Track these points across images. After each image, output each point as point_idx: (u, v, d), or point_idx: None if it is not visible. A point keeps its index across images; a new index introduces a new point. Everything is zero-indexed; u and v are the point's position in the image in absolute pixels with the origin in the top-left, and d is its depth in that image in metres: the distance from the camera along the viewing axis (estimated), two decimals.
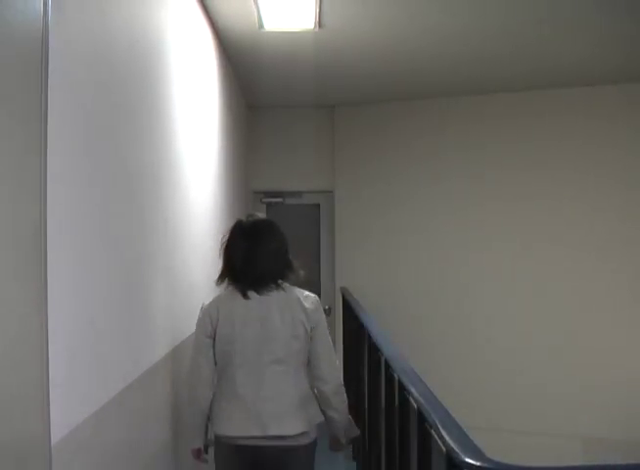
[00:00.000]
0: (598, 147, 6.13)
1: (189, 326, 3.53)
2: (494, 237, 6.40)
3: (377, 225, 6.70)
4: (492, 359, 6.25)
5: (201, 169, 4.06)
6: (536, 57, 5.31)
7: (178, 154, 3.33)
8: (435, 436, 1.97)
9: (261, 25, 4.37)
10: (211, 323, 2.73)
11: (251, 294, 2.73)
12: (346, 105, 6.78)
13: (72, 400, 1.78)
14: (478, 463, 1.63)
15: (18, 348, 1.46)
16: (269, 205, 7.06)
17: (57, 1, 1.63)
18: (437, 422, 1.99)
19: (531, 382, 6.13)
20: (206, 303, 2.86)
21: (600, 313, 6.04)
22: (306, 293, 2.82)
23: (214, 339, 2.73)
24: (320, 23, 4.37)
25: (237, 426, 2.69)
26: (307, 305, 2.76)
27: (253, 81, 5.96)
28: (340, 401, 2.82)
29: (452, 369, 6.20)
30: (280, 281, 2.76)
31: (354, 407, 4.04)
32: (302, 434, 2.72)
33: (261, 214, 2.97)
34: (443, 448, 1.83)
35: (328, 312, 3.76)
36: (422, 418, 2.20)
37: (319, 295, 3.22)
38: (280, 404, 2.69)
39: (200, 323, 2.78)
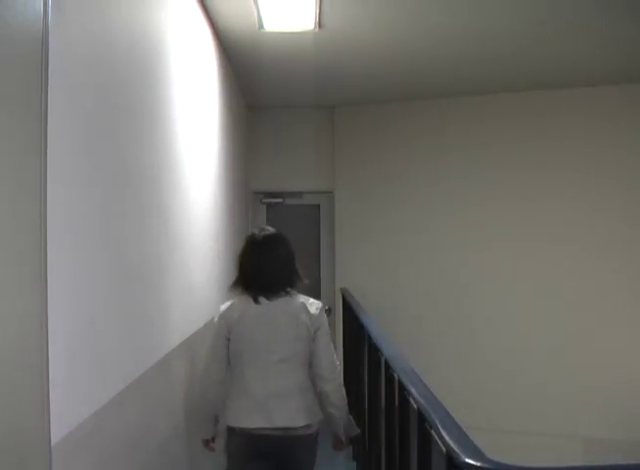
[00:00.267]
0: (599, 147, 6.13)
1: (189, 326, 3.53)
2: (494, 237, 6.40)
3: (377, 225, 6.70)
4: (492, 359, 6.25)
5: (201, 170, 4.06)
6: (537, 57, 5.31)
7: (178, 154, 3.34)
8: (435, 436, 1.97)
9: (261, 26, 4.37)
10: (227, 326, 3.02)
11: (262, 300, 3.02)
12: (346, 105, 6.79)
13: (72, 400, 1.78)
14: (478, 463, 1.63)
15: (18, 348, 1.46)
16: (269, 205, 7.06)
17: (57, 2, 1.63)
18: (437, 422, 1.99)
19: (532, 382, 6.13)
20: (223, 308, 3.10)
21: (600, 313, 6.04)
22: (311, 300, 3.10)
23: (229, 339, 3.02)
24: (320, 24, 4.37)
25: (247, 418, 2.96)
26: (312, 310, 3.04)
27: (253, 82, 5.96)
28: (339, 399, 3.07)
29: (452, 369, 6.20)
30: (288, 288, 3.06)
31: (355, 407, 4.05)
32: (306, 426, 2.98)
33: (271, 228, 3.20)
34: (443, 449, 1.83)
35: (328, 313, 3.85)
36: (422, 418, 2.20)
37: (319, 295, 3.42)
38: (285, 399, 2.96)
39: (217, 326, 3.06)
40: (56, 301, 1.62)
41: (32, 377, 1.52)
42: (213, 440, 3.19)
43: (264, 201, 7.07)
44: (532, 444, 5.83)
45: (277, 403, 2.95)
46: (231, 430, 3.02)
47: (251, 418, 2.95)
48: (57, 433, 1.63)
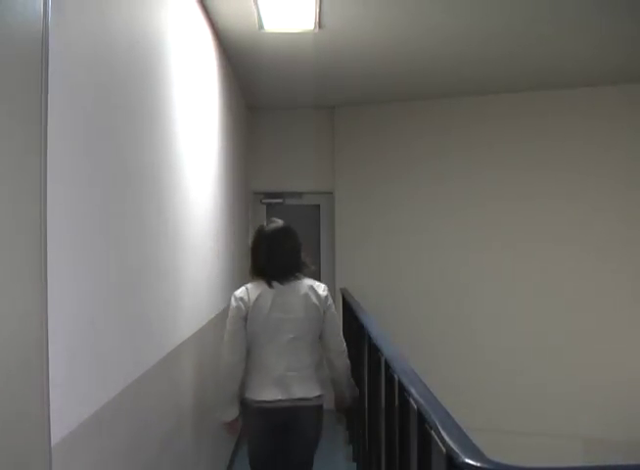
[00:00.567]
0: (598, 147, 6.13)
1: (189, 326, 3.53)
2: (494, 237, 6.40)
3: (377, 226, 6.71)
4: (492, 359, 6.25)
5: (201, 170, 4.06)
6: (538, 57, 5.31)
7: (178, 155, 3.34)
8: (435, 436, 1.97)
9: (261, 26, 4.37)
10: (245, 307, 3.29)
11: (275, 284, 3.33)
12: (347, 105, 6.79)
13: (72, 401, 1.78)
14: (478, 464, 1.63)
15: (18, 347, 1.46)
16: (269, 205, 7.06)
17: (57, 2, 1.63)
18: (437, 423, 1.99)
19: (532, 382, 6.13)
20: (238, 292, 3.36)
21: (600, 314, 6.04)
22: (317, 282, 3.44)
23: (246, 321, 3.28)
24: (320, 24, 4.37)
25: (266, 392, 3.26)
26: (320, 291, 3.38)
27: (253, 82, 5.96)
28: (343, 366, 3.46)
29: (452, 369, 6.20)
30: (297, 273, 3.38)
31: (355, 407, 4.04)
32: (319, 396, 3.33)
33: (280, 221, 3.50)
34: (443, 449, 1.83)
35: None
36: (422, 419, 2.20)
37: None
38: (300, 373, 3.29)
39: (235, 309, 3.31)
40: (56, 301, 1.62)
41: (32, 377, 1.52)
42: (237, 421, 3.39)
43: (264, 201, 7.07)
44: (532, 444, 5.83)
45: (293, 377, 3.27)
46: (250, 404, 3.29)
47: (270, 391, 3.25)
48: (57, 433, 1.63)
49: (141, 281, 2.57)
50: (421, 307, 6.49)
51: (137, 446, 2.44)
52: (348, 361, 3.51)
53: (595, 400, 5.94)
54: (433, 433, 2.02)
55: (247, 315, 3.28)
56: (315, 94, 6.32)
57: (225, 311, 4.24)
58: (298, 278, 3.38)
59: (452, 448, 1.75)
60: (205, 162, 4.26)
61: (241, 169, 6.27)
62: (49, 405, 1.58)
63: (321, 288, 3.40)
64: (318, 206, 7.10)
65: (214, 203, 4.57)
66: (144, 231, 2.63)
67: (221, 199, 4.89)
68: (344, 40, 4.79)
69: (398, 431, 2.78)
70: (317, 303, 3.34)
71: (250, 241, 3.57)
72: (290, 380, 3.27)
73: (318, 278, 3.87)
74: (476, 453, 1.69)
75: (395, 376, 2.85)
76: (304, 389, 3.28)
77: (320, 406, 3.35)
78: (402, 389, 2.65)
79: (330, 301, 3.41)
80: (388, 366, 3.10)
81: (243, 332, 3.29)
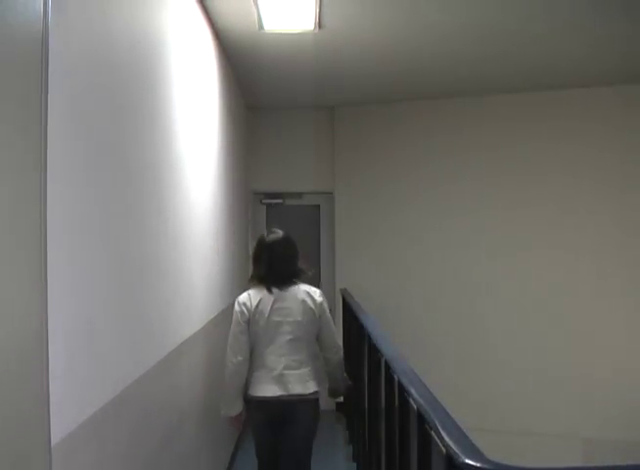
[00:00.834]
0: (593, 148, 6.11)
1: (189, 326, 3.53)
2: (493, 237, 6.40)
3: (377, 226, 6.70)
4: (493, 360, 6.25)
5: (201, 170, 4.06)
6: (532, 57, 5.30)
7: (178, 155, 3.34)
8: (435, 437, 1.97)
9: (261, 26, 4.37)
10: (247, 311, 3.58)
11: (274, 290, 3.60)
12: (346, 105, 6.79)
13: (72, 401, 1.78)
14: (477, 464, 1.63)
15: (17, 347, 1.46)
16: (269, 206, 7.06)
17: (57, 2, 1.63)
18: (437, 423, 1.99)
19: (532, 382, 6.13)
20: (241, 297, 3.64)
21: (600, 314, 6.04)
22: (313, 288, 3.72)
23: (248, 323, 3.56)
24: (320, 24, 4.37)
25: (268, 389, 3.55)
26: (316, 297, 3.67)
27: (253, 82, 5.96)
28: (337, 362, 3.79)
29: (453, 370, 6.20)
30: (294, 279, 3.66)
31: (355, 407, 4.03)
32: (314, 392, 3.61)
33: (280, 231, 3.75)
34: (443, 450, 1.83)
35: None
36: (422, 419, 2.20)
37: None
38: (297, 371, 3.57)
39: (239, 312, 3.60)
40: (56, 301, 1.62)
41: (32, 377, 1.52)
42: (240, 416, 3.67)
43: (264, 201, 7.06)
44: (532, 444, 5.83)
45: (291, 375, 3.56)
46: (252, 400, 3.58)
47: (270, 388, 3.54)
48: (57, 433, 1.62)
49: (141, 281, 2.57)
50: (420, 308, 6.49)
51: (137, 445, 2.44)
52: (342, 358, 3.86)
53: (595, 400, 5.94)
54: (432, 433, 2.02)
55: (249, 319, 3.57)
56: (315, 94, 6.32)
57: (225, 312, 4.25)
58: (296, 284, 3.65)
59: (452, 449, 1.74)
60: (206, 161, 4.26)
61: (241, 170, 6.27)
62: (49, 406, 1.58)
63: (317, 293, 3.69)
64: (318, 206, 7.09)
65: (214, 202, 4.57)
66: (144, 231, 2.63)
67: (221, 199, 4.89)
68: (344, 40, 4.79)
69: (398, 431, 2.78)
70: (313, 307, 3.63)
71: (251, 244, 3.86)
72: (288, 378, 3.55)
73: (318, 279, 4.01)
74: (476, 453, 1.69)
75: (395, 376, 2.85)
76: (301, 386, 3.56)
77: (316, 401, 3.64)
78: (402, 389, 2.65)
79: (325, 305, 3.70)
80: (387, 367, 3.10)
81: (246, 334, 3.57)
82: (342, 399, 5.24)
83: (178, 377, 3.26)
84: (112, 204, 2.18)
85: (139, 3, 2.58)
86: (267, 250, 3.68)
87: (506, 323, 6.29)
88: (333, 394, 4.00)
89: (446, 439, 1.83)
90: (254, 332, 3.58)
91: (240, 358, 3.55)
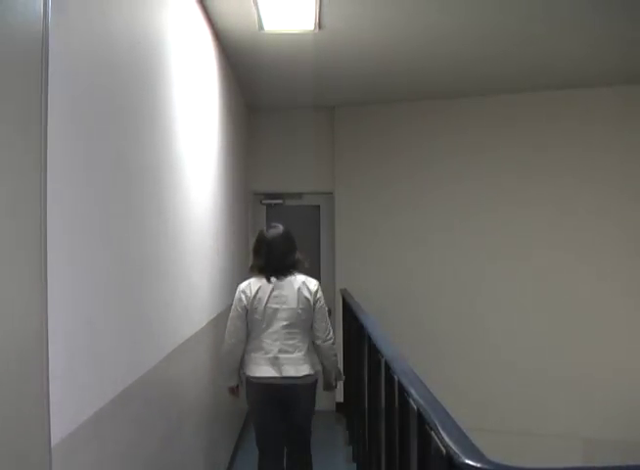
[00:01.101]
0: (593, 149, 6.11)
1: (189, 326, 3.53)
2: (493, 237, 6.40)
3: (377, 226, 6.70)
4: (493, 360, 6.25)
5: (201, 170, 4.06)
6: (531, 57, 5.29)
7: (178, 155, 3.34)
8: (435, 437, 1.97)
9: (261, 27, 4.37)
10: (246, 299, 3.86)
11: (273, 279, 3.88)
12: (346, 105, 6.79)
13: (72, 401, 1.78)
14: (478, 464, 1.63)
15: (17, 348, 1.46)
16: (269, 206, 7.06)
17: (57, 2, 1.63)
18: (437, 423, 1.99)
19: (532, 382, 6.13)
20: (242, 285, 3.91)
21: (600, 315, 6.04)
22: (309, 278, 3.97)
23: (247, 310, 3.84)
24: (320, 25, 4.37)
25: (263, 370, 3.82)
26: (311, 286, 3.92)
27: (253, 82, 5.96)
28: (331, 354, 3.97)
29: (454, 370, 6.20)
30: (292, 270, 3.91)
31: (355, 408, 4.03)
32: (308, 375, 3.84)
33: (280, 225, 3.99)
34: (443, 450, 1.83)
35: (328, 314, 4.03)
36: (422, 419, 2.20)
37: None
38: (292, 355, 3.82)
39: (238, 298, 3.88)
40: (56, 301, 1.62)
41: (32, 377, 1.52)
42: (237, 388, 4.01)
43: (264, 202, 7.06)
44: (532, 444, 5.83)
45: (285, 359, 3.81)
46: (250, 380, 3.87)
47: (265, 370, 3.81)
48: (57, 433, 1.63)
49: (141, 281, 2.57)
50: (420, 309, 6.49)
51: (137, 445, 2.44)
52: (334, 346, 4.00)
53: (595, 400, 5.94)
54: (432, 433, 2.02)
55: (247, 305, 3.84)
56: (315, 94, 6.32)
57: (225, 312, 4.24)
58: (293, 274, 3.91)
59: (452, 449, 1.74)
60: (206, 162, 4.26)
61: (240, 170, 6.27)
62: (49, 406, 1.58)
63: (312, 283, 3.94)
64: (318, 206, 7.09)
65: (214, 203, 4.57)
66: (144, 231, 2.63)
67: (221, 199, 4.89)
68: (344, 40, 4.79)
69: (398, 431, 2.78)
70: (308, 296, 3.88)
71: (251, 244, 4.13)
72: (282, 361, 3.81)
73: (318, 279, 4.04)
74: (475, 454, 1.69)
75: (395, 377, 2.84)
76: (294, 369, 3.81)
77: (310, 384, 3.89)
78: (402, 389, 2.65)
79: (319, 294, 3.94)
80: (387, 367, 3.10)
81: (242, 319, 3.85)
82: (341, 399, 5.33)
83: (178, 377, 3.26)
84: (112, 204, 2.18)
85: (139, 3, 2.58)
86: (267, 244, 3.91)
87: (506, 323, 6.29)
88: (326, 386, 4.15)
89: (446, 439, 1.83)
90: (253, 317, 3.85)
91: (234, 340, 3.86)
